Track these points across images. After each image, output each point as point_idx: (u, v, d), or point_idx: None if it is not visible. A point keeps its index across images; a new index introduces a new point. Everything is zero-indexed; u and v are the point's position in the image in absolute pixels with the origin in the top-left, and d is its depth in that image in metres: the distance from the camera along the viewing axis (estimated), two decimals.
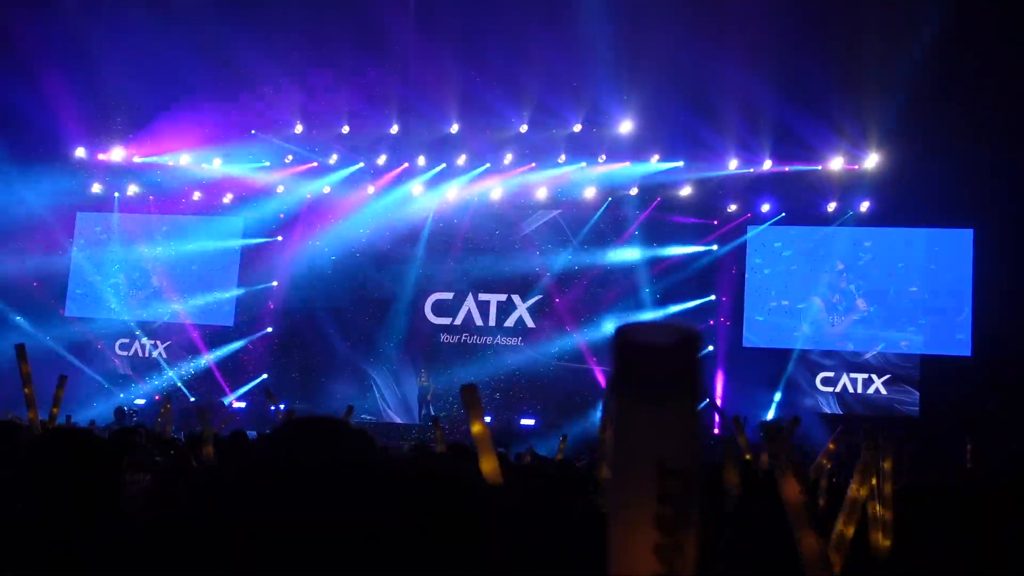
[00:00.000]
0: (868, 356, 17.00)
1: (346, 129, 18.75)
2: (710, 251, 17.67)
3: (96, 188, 19.88)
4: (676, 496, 0.47)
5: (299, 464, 0.76)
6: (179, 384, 19.13)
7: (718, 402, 15.62)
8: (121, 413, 15.89)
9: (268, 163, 19.20)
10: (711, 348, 17.13)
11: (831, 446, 5.09)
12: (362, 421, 17.04)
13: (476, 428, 2.19)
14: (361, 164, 18.83)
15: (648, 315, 17.38)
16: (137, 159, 19.68)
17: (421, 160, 18.56)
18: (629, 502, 0.48)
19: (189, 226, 19.95)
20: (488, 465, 2.10)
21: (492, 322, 18.61)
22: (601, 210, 18.20)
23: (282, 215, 19.45)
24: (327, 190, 19.25)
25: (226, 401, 18.58)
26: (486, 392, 18.17)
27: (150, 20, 17.19)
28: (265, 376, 19.00)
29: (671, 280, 17.74)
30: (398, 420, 18.34)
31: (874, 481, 2.98)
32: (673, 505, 0.47)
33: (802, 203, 17.26)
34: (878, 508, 2.96)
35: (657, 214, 17.90)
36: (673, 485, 0.47)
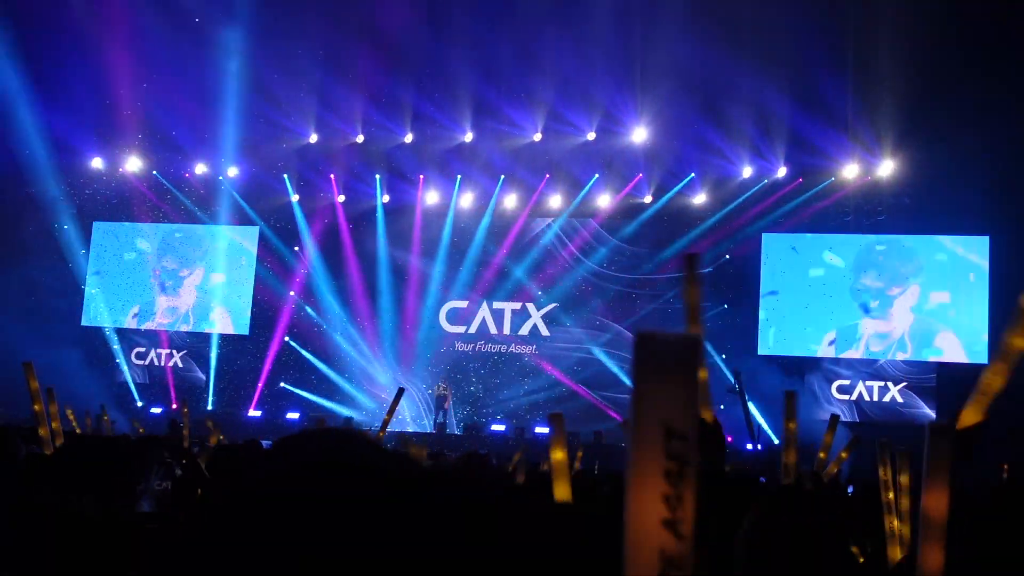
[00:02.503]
0: (884, 364, 16.89)
1: (360, 138, 18.85)
2: (723, 259, 17.57)
3: (113, 198, 20.02)
4: (679, 454, 0.62)
5: (315, 470, 0.78)
6: (209, 392, 19.25)
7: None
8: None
9: (286, 175, 19.33)
10: (723, 356, 17.00)
11: (843, 454, 5.09)
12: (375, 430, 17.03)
13: (557, 455, 2.18)
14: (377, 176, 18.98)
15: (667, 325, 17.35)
16: (154, 170, 19.84)
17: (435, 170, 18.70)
18: (644, 459, 0.63)
19: (206, 235, 20.06)
20: (561, 492, 2.10)
21: (507, 330, 18.62)
22: (615, 219, 18.21)
23: (299, 225, 19.52)
24: (342, 199, 19.35)
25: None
26: (501, 400, 18.17)
27: (168, 32, 17.33)
28: (282, 384, 19.07)
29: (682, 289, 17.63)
30: (413, 428, 18.32)
31: (891, 496, 2.94)
32: (676, 461, 0.62)
33: (816, 210, 17.17)
34: (895, 523, 2.92)
35: (670, 224, 17.86)
36: (676, 445, 0.62)
